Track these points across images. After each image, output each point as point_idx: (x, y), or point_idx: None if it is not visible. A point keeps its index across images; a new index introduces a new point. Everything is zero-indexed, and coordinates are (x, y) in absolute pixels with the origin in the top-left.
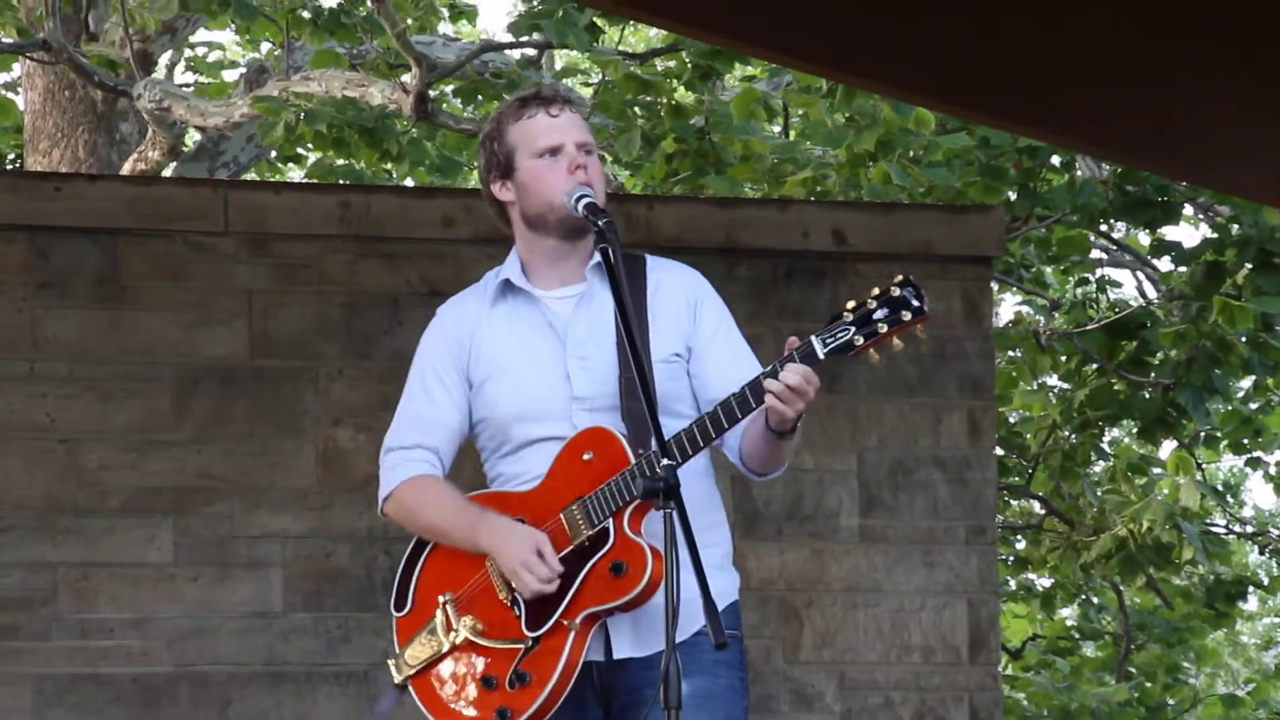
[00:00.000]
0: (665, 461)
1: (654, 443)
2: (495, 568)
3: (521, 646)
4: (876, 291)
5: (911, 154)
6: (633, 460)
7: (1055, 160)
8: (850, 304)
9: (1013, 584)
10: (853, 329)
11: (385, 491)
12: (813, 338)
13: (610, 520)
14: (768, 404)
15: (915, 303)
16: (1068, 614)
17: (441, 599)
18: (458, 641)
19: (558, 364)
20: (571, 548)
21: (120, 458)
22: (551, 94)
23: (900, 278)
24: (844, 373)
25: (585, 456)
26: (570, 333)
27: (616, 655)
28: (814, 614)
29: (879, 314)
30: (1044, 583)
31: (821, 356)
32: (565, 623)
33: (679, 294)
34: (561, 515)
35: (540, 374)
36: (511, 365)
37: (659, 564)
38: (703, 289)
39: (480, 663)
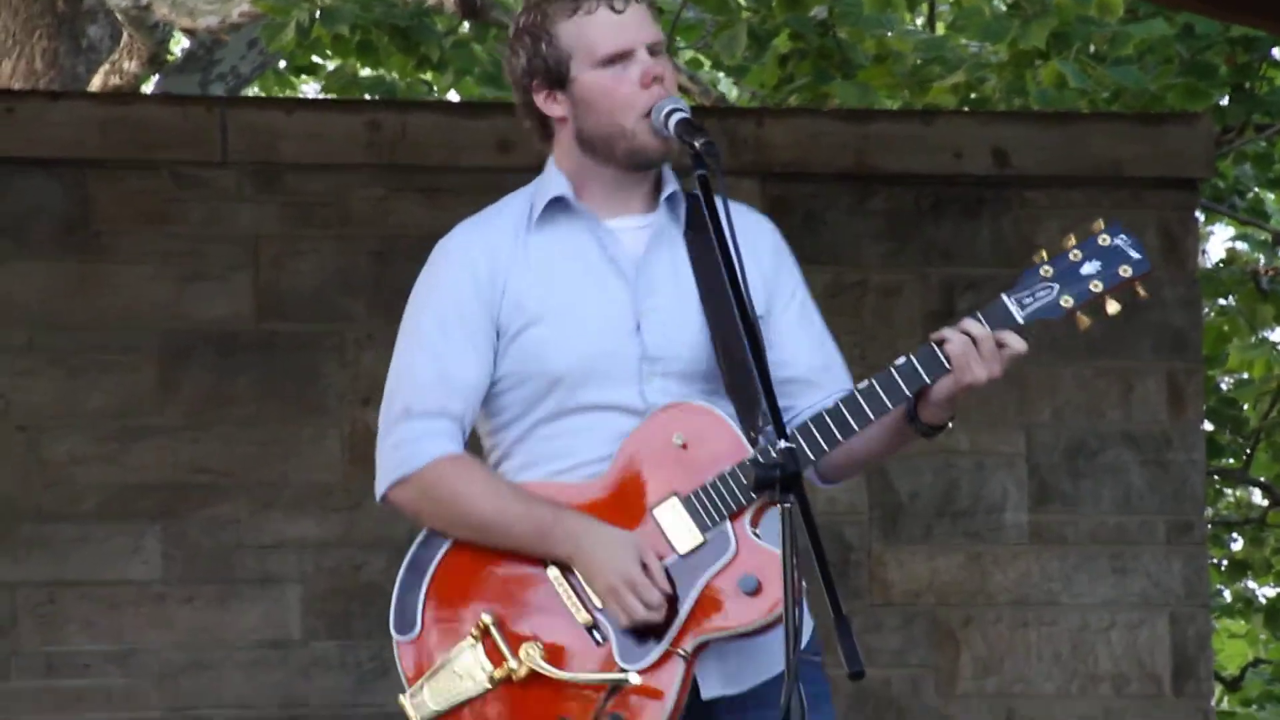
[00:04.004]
0: (783, 444)
1: (764, 424)
2: (567, 579)
3: (608, 682)
4: (1074, 240)
5: (1093, 49)
6: (749, 450)
7: (1278, 54)
8: (1042, 254)
9: (1228, 595)
10: (1055, 287)
11: (400, 472)
12: (1005, 297)
13: (728, 523)
14: (954, 362)
15: (1135, 254)
16: None
17: (485, 618)
18: (516, 675)
19: (625, 311)
20: (673, 559)
21: (94, 449)
22: None
23: (1102, 223)
24: None
25: (676, 440)
26: (642, 274)
27: (705, 695)
28: (973, 635)
29: (1089, 268)
30: (1268, 593)
31: (1021, 321)
32: (679, 653)
33: (760, 240)
34: (654, 515)
35: (603, 321)
36: (566, 307)
37: (797, 577)
38: (781, 238)
39: (549, 703)
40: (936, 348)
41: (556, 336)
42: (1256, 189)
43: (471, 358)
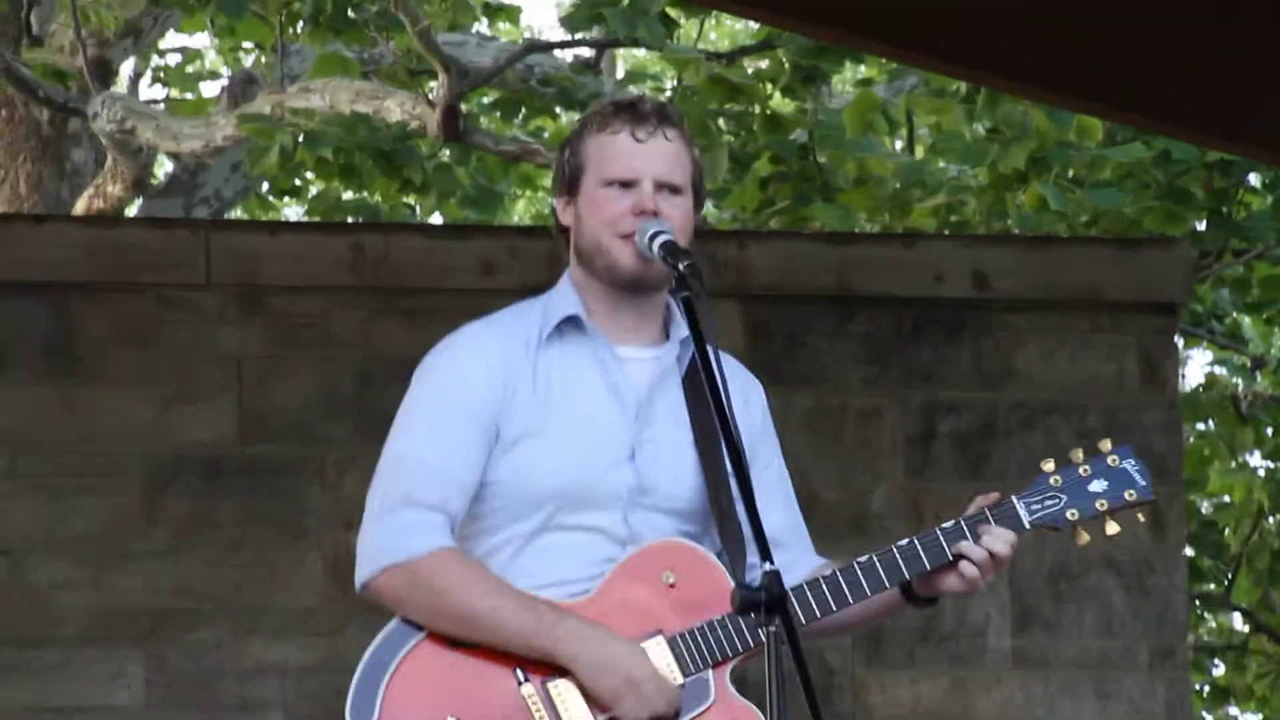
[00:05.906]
0: (768, 566)
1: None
2: (542, 698)
3: None
4: (1082, 455)
5: (1072, 173)
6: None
7: (1254, 179)
8: (1051, 463)
9: None
10: (1063, 498)
11: (395, 558)
12: (1015, 500)
13: (710, 672)
14: (963, 571)
15: (1140, 481)
16: None
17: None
18: None
19: (621, 439)
20: None
21: (77, 574)
22: (649, 109)
23: (1109, 443)
24: (990, 450)
25: (667, 579)
26: (644, 408)
27: None
28: None
29: (1096, 485)
30: (1251, 719)
31: (1028, 527)
32: None
33: (751, 396)
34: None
35: (598, 446)
36: (563, 427)
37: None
38: (765, 398)
39: None
40: (945, 543)
41: (551, 455)
42: (1235, 313)
43: (476, 456)
